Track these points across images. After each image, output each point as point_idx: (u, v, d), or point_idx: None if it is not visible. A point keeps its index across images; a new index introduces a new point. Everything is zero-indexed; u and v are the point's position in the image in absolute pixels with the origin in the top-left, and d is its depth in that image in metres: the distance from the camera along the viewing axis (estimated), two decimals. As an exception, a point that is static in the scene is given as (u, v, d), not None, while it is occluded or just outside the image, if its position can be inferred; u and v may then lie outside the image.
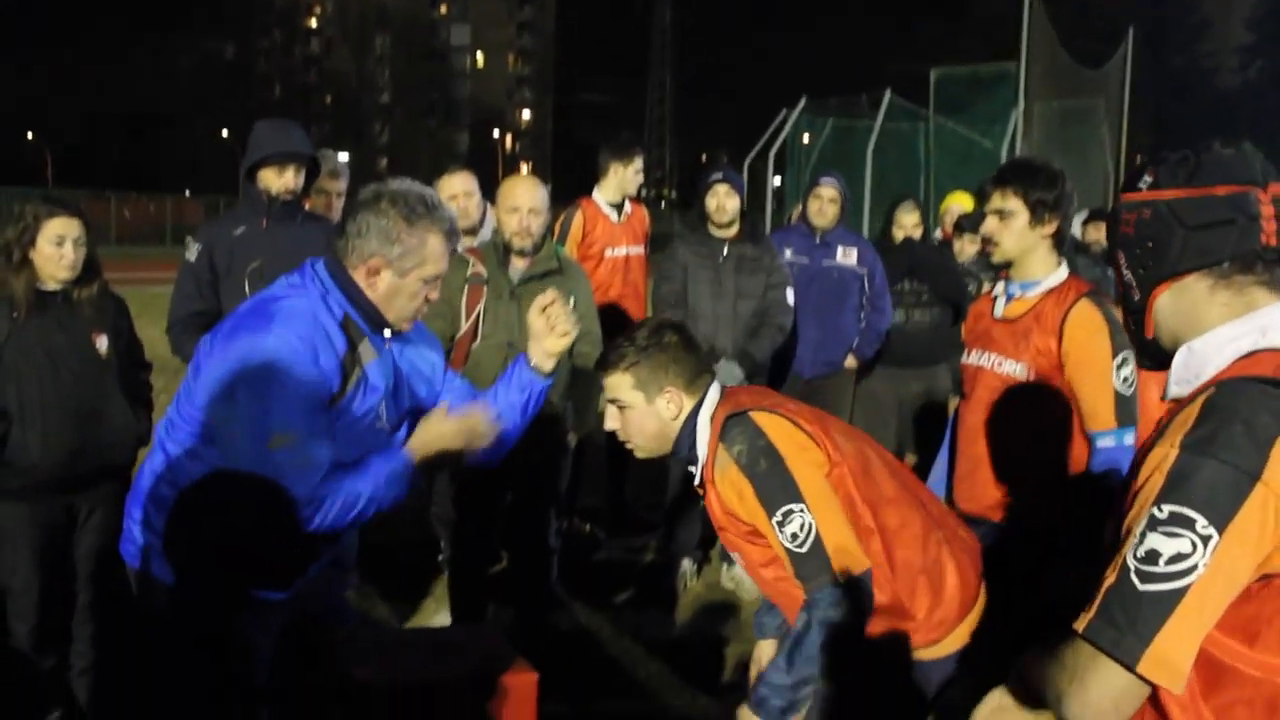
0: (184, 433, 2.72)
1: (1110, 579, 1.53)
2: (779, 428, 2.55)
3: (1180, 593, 1.47)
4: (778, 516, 2.46)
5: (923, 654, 2.66)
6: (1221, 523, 1.47)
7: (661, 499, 5.98)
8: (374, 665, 2.35)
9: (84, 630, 3.80)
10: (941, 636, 2.65)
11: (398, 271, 2.68)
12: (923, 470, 6.38)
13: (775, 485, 2.48)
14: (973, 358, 3.36)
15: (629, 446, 2.82)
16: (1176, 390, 1.70)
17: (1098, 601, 1.54)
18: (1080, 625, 1.55)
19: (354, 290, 2.70)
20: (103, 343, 3.73)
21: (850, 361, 6.04)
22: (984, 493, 3.27)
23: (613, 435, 6.42)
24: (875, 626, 2.64)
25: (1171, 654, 1.49)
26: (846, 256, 6.06)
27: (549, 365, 3.04)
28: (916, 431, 6.21)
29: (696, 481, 2.73)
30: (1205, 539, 1.46)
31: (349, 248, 2.69)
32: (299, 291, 2.71)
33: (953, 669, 2.71)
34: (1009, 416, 3.21)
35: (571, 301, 4.57)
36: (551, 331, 2.98)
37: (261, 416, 2.53)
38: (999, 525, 3.25)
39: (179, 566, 2.60)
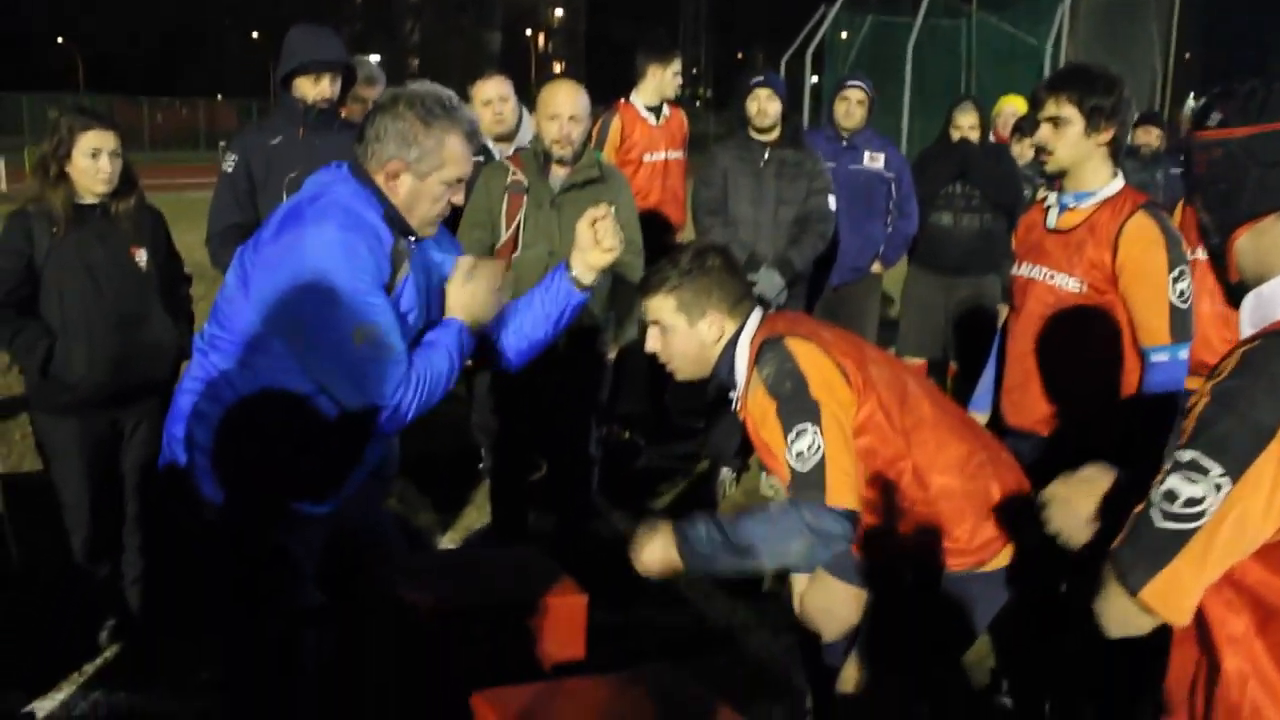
0: (228, 345, 2.66)
1: (1139, 509, 1.62)
2: (810, 355, 2.54)
3: (1189, 534, 1.55)
4: (792, 434, 2.46)
5: (973, 572, 2.64)
6: (1236, 473, 1.51)
7: (701, 405, 5.97)
8: (423, 588, 2.35)
9: (133, 540, 3.87)
10: (988, 558, 2.63)
11: (417, 174, 2.63)
12: (967, 378, 6.35)
13: (796, 406, 2.47)
14: (1023, 270, 3.27)
15: (669, 369, 2.80)
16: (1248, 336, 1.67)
17: (1127, 528, 1.64)
18: (1113, 545, 1.66)
19: (379, 195, 2.65)
20: (142, 256, 3.72)
21: (877, 267, 5.96)
22: (1033, 407, 3.21)
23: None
24: (915, 551, 2.63)
25: (1173, 590, 1.58)
26: (874, 160, 5.94)
27: (589, 279, 3.00)
28: (962, 339, 6.12)
29: (734, 406, 2.71)
30: (1218, 487, 1.52)
31: (368, 153, 2.64)
32: (341, 182, 2.65)
33: (1002, 588, 2.70)
34: (1060, 331, 3.14)
35: (614, 210, 4.51)
36: (597, 245, 2.93)
37: (339, 314, 2.48)
38: (1047, 440, 3.20)
39: (226, 482, 2.61)
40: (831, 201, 5.39)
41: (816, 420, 2.44)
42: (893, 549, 2.67)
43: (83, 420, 3.64)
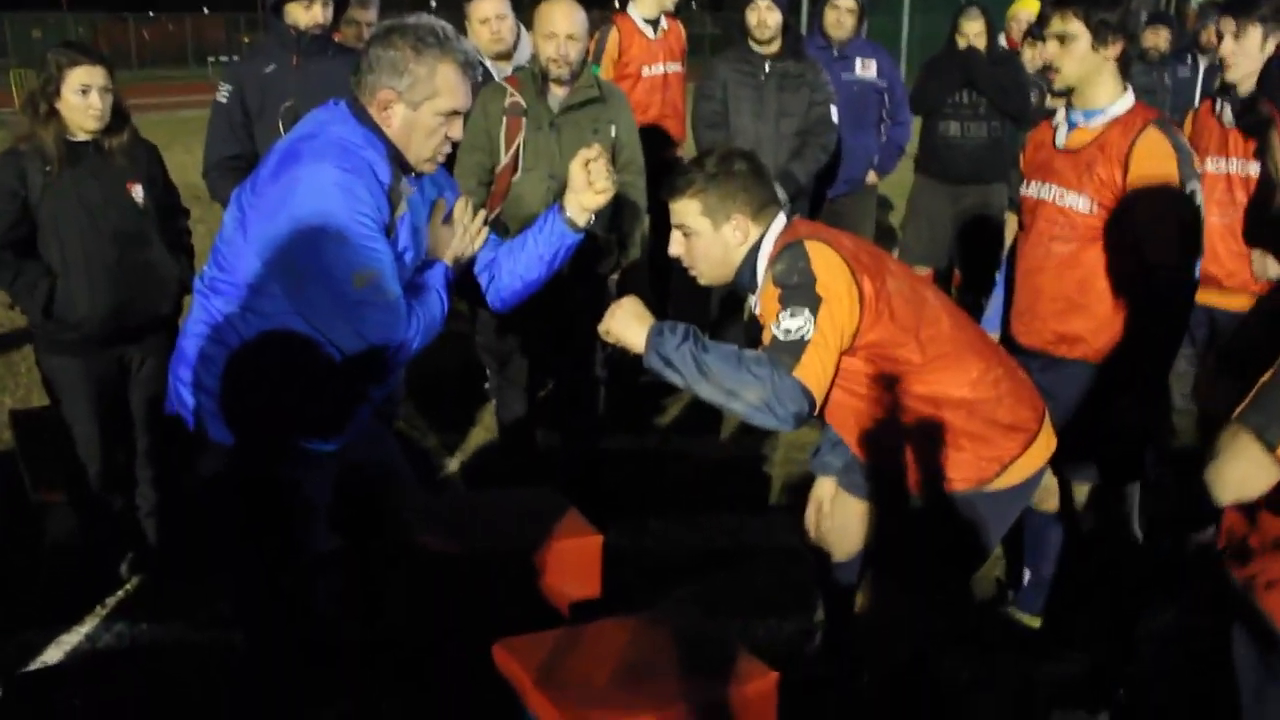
0: (229, 289, 2.65)
1: (1267, 378, 1.83)
2: (825, 257, 2.53)
3: None
4: (786, 312, 2.46)
5: (985, 488, 2.66)
6: None
7: (705, 320, 5.97)
8: (438, 534, 2.37)
9: (146, 474, 3.90)
10: (1000, 471, 2.65)
11: (409, 104, 2.59)
12: (971, 288, 6.35)
13: (798, 294, 2.47)
14: (1032, 189, 3.23)
15: (692, 273, 2.80)
16: None
17: (1252, 395, 1.83)
18: (1236, 414, 1.84)
19: (375, 128, 2.62)
20: (138, 191, 3.68)
21: (872, 177, 5.90)
22: (1043, 327, 3.21)
23: (656, 260, 6.41)
24: (925, 466, 2.64)
25: None
26: (865, 69, 5.84)
27: (583, 220, 2.98)
28: (967, 248, 6.10)
29: (757, 310, 2.70)
30: None
31: (363, 84, 2.62)
32: (340, 121, 2.61)
33: (1013, 505, 2.72)
34: (1070, 250, 3.11)
35: (613, 130, 4.45)
36: (590, 186, 2.92)
37: (338, 258, 2.45)
38: (1058, 360, 3.20)
39: (233, 425, 2.62)
40: (834, 112, 5.33)
41: (814, 310, 2.44)
42: (904, 464, 2.69)
43: (88, 358, 3.64)
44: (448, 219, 2.80)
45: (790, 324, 2.43)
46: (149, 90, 15.61)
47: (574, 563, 2.42)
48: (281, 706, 2.65)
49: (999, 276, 3.59)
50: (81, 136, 3.56)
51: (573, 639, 2.04)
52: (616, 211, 4.48)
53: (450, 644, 2.35)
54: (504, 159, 4.34)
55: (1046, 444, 2.76)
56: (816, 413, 2.53)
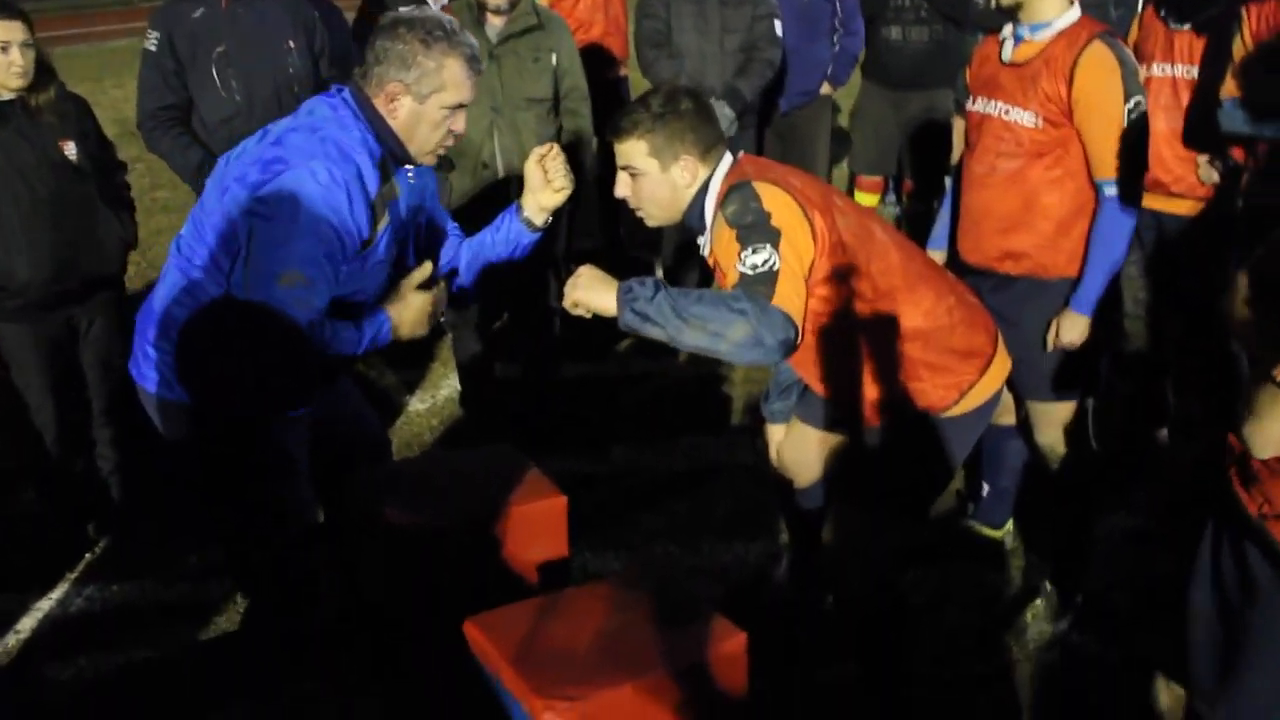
0: (202, 253, 2.67)
1: None
2: (775, 196, 2.51)
3: None
4: (748, 250, 2.42)
5: (944, 415, 2.69)
6: None
7: (656, 237, 5.95)
8: (404, 507, 2.37)
9: (104, 434, 3.86)
10: (959, 398, 2.68)
11: (416, 97, 2.64)
12: (921, 196, 6.35)
13: (755, 232, 2.44)
14: (978, 105, 3.22)
15: (639, 214, 2.78)
16: None
17: None
18: (1278, 374, 1.81)
19: (378, 121, 2.65)
20: (71, 149, 3.59)
21: (826, 89, 5.84)
22: (989, 244, 3.21)
23: (605, 184, 6.32)
24: (885, 396, 2.67)
25: None
26: None
27: (540, 219, 3.01)
28: (916, 155, 6.09)
29: (705, 252, 2.69)
30: None
31: (369, 76, 2.65)
32: (339, 123, 2.63)
33: (972, 430, 2.74)
34: (1016, 167, 3.11)
35: (554, 58, 4.38)
36: (548, 185, 2.94)
37: (281, 252, 2.48)
38: (1006, 278, 3.22)
39: (197, 388, 2.61)
40: (778, 26, 5.24)
41: (775, 244, 2.42)
42: (863, 394, 2.71)
43: (35, 324, 3.58)
44: (429, 284, 2.80)
45: (755, 259, 2.41)
46: (72, 21, 15.09)
47: (540, 527, 2.44)
48: (259, 675, 2.70)
49: (946, 196, 3.59)
50: (5, 96, 3.46)
51: (543, 611, 2.06)
52: (563, 141, 4.43)
53: (420, 620, 2.37)
54: (444, 93, 4.26)
55: (1002, 366, 2.79)
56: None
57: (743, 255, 2.43)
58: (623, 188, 2.75)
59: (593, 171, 4.77)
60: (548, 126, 4.35)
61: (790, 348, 2.40)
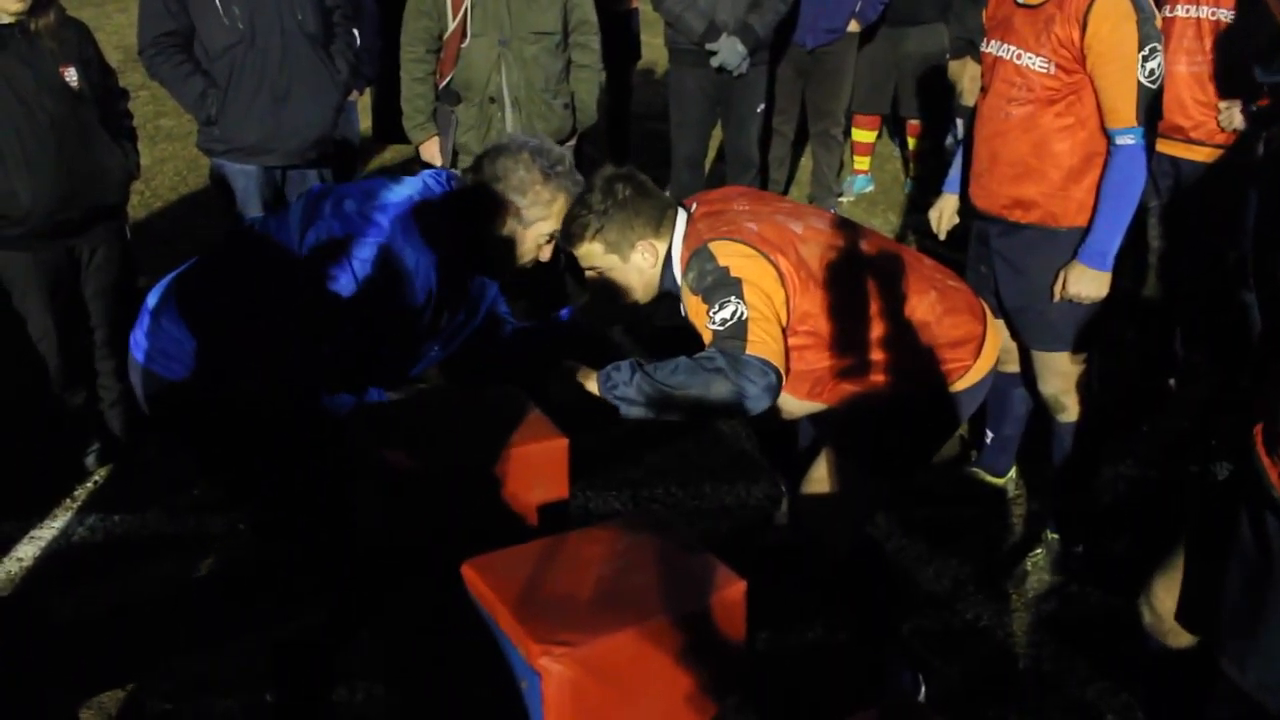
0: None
1: None
2: (731, 250, 2.46)
3: None
4: (714, 308, 2.42)
5: (952, 388, 2.63)
6: None
7: (665, 175, 5.90)
8: (402, 446, 2.35)
9: (106, 365, 3.85)
10: (956, 380, 2.62)
11: (523, 221, 2.68)
12: (926, 132, 6.28)
13: (717, 288, 2.43)
14: (992, 47, 3.15)
15: (626, 303, 2.72)
16: None
17: None
18: None
19: (472, 227, 2.68)
20: (72, 75, 3.53)
21: (854, 26, 5.74)
22: (999, 191, 3.17)
23: (614, 119, 6.26)
24: (885, 400, 2.60)
25: None
26: None
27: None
28: (915, 93, 6.04)
29: (684, 312, 2.61)
30: None
31: (484, 184, 2.68)
32: (427, 213, 2.63)
33: (978, 394, 2.68)
34: (1027, 113, 3.05)
35: (563, -10, 4.30)
36: None
37: (356, 311, 2.49)
38: (1015, 225, 3.17)
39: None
40: (792, -39, 5.15)
41: (740, 294, 2.40)
42: (860, 410, 2.62)
43: (36, 252, 3.54)
44: None
45: (723, 314, 2.40)
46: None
47: (540, 468, 2.42)
48: (256, 611, 2.71)
49: (958, 144, 3.54)
50: (4, 20, 3.39)
51: (541, 554, 2.05)
52: (569, 75, 4.36)
53: (417, 561, 2.37)
54: (452, 24, 4.20)
55: (994, 341, 2.70)
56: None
57: (711, 314, 2.43)
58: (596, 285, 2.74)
59: (598, 108, 4.71)
60: (556, 60, 4.29)
61: (774, 392, 2.39)
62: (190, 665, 2.95)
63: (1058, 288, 3.11)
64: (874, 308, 2.54)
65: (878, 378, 2.57)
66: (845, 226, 2.69)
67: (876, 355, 2.55)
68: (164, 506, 3.70)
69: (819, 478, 2.65)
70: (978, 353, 2.63)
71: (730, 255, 2.45)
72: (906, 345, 2.57)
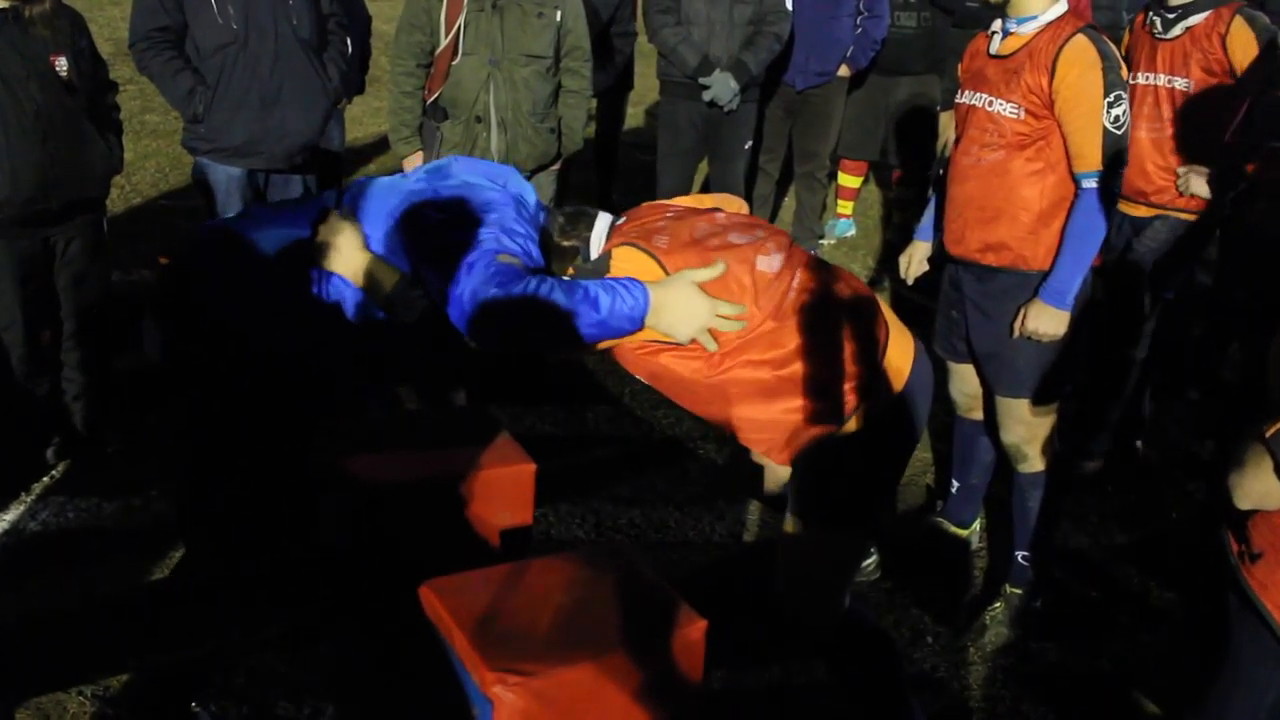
0: None
1: None
2: (630, 259, 2.30)
3: None
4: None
5: (884, 397, 2.40)
6: None
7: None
8: (370, 461, 2.33)
9: (72, 357, 3.80)
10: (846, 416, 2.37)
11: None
12: (908, 183, 6.33)
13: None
14: (965, 98, 3.22)
15: None
16: None
17: None
18: (1268, 432, 1.85)
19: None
20: (63, 64, 3.51)
21: (844, 71, 5.78)
22: (971, 236, 3.20)
23: (602, 143, 6.24)
24: (811, 416, 2.37)
25: None
26: None
27: None
28: (903, 141, 6.08)
29: None
30: None
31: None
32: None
33: (920, 395, 2.46)
34: (998, 159, 3.10)
35: (559, 14, 4.30)
36: None
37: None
38: (989, 269, 3.20)
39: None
40: (788, 1, 5.18)
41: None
42: (784, 431, 2.39)
43: (11, 240, 3.50)
44: None
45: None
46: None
47: (506, 492, 2.40)
48: (212, 615, 2.67)
49: (931, 190, 3.60)
50: (-1, 5, 3.37)
51: (502, 580, 2.02)
52: (558, 100, 4.37)
53: (377, 577, 2.34)
54: (444, 41, 4.19)
55: (901, 345, 2.45)
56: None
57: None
58: None
59: (587, 134, 4.72)
60: (546, 84, 4.29)
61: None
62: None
63: (1018, 324, 3.15)
64: (794, 325, 2.32)
65: (798, 393, 2.34)
66: (769, 237, 2.44)
67: (789, 362, 2.34)
68: (120, 504, 3.65)
69: (787, 558, 2.50)
70: (882, 356, 2.39)
71: (624, 260, 2.31)
72: (822, 364, 2.34)
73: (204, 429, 2.52)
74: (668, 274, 2.28)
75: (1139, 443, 4.38)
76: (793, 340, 2.30)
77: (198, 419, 2.53)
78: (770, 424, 2.33)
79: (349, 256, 2.37)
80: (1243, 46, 3.78)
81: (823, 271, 2.42)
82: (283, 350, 2.41)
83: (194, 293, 2.52)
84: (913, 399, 2.44)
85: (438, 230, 2.31)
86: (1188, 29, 3.87)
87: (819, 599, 2.49)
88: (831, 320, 2.35)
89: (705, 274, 2.25)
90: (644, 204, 2.62)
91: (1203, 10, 3.84)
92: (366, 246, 2.38)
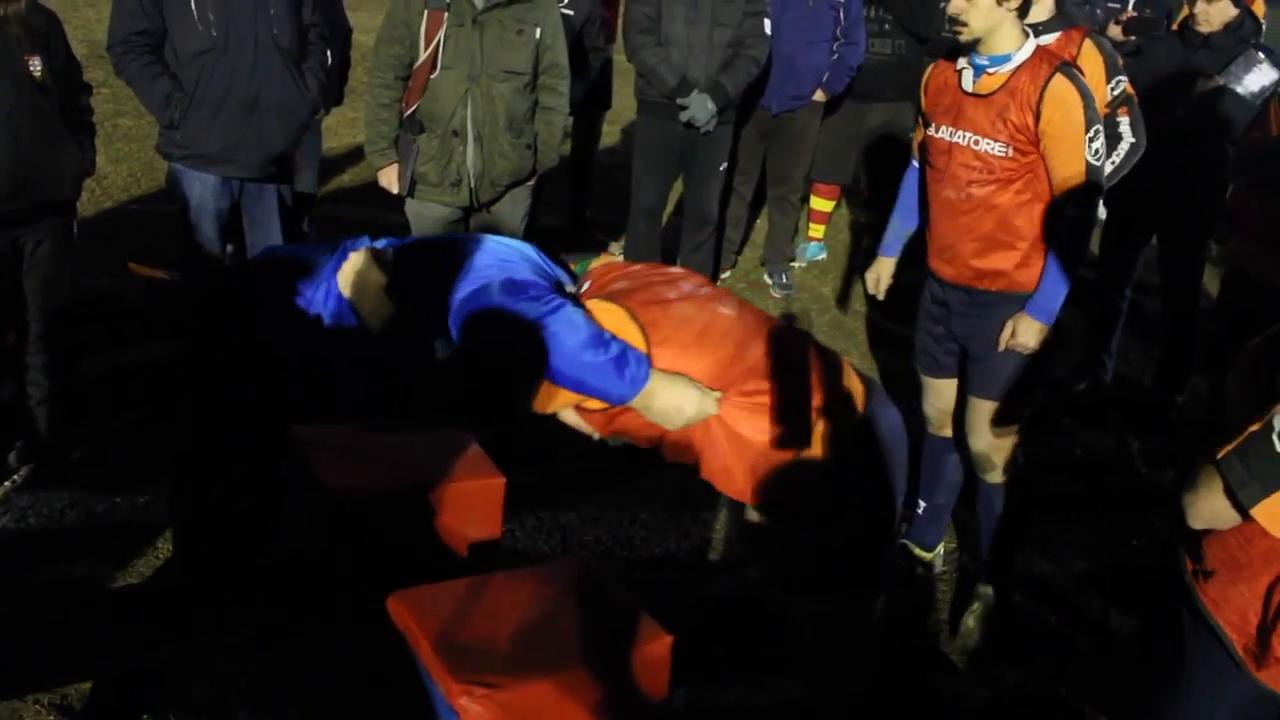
0: None
1: (1255, 428, 1.81)
2: (605, 311, 2.30)
3: None
4: None
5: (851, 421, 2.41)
6: None
7: (619, 224, 5.93)
8: (341, 471, 2.33)
9: (37, 360, 3.77)
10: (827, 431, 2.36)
11: None
12: (878, 207, 6.38)
13: None
14: (943, 133, 3.29)
15: None
16: None
17: (1239, 441, 1.83)
18: (1220, 454, 1.85)
19: None
20: (37, 65, 3.49)
21: (819, 96, 5.83)
22: (965, 266, 3.31)
23: (576, 161, 6.26)
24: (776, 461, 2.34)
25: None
26: None
27: None
28: (875, 167, 6.14)
29: None
30: None
31: None
32: None
33: (888, 422, 2.48)
34: (989, 192, 3.21)
35: (538, 32, 4.32)
36: None
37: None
38: (982, 293, 3.32)
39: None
40: (767, 25, 5.23)
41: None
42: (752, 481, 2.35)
43: (-21, 241, 3.48)
44: None
45: None
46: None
47: (475, 505, 2.40)
48: (174, 621, 2.64)
49: (898, 204, 3.66)
50: (-27, 4, 3.35)
51: (469, 592, 2.02)
52: (534, 116, 4.38)
53: (345, 586, 2.33)
54: (423, 55, 4.20)
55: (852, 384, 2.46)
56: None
57: None
58: None
59: (563, 151, 4.73)
60: (523, 100, 4.30)
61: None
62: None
63: (1004, 336, 3.25)
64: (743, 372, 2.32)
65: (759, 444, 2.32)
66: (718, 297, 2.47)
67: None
68: (82, 510, 3.61)
69: (800, 638, 2.52)
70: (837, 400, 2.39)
71: (602, 313, 2.29)
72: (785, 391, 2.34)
73: (207, 435, 2.51)
74: (640, 323, 2.27)
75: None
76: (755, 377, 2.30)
77: (202, 426, 2.53)
78: (735, 458, 2.30)
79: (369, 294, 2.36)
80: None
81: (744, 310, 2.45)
82: (316, 374, 2.41)
83: (251, 315, 2.47)
84: (878, 428, 2.42)
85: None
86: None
87: (844, 675, 2.54)
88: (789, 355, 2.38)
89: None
90: (594, 266, 2.57)
91: None
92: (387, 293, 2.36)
